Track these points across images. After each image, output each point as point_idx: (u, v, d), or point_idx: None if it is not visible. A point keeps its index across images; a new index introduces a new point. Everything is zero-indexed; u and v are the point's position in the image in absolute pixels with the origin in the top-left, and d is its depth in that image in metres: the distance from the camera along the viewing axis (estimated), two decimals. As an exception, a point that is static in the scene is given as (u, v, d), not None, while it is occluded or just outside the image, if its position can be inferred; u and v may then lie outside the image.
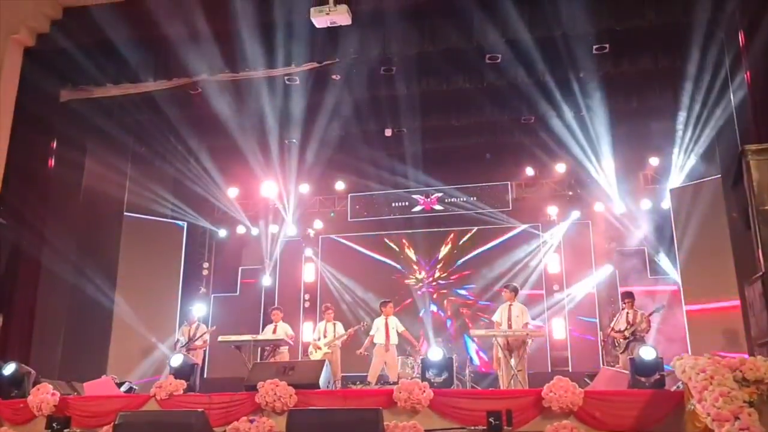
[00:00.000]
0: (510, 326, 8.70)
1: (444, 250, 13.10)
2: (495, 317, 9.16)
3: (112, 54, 8.80)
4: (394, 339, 9.53)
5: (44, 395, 6.08)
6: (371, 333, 9.73)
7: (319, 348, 9.53)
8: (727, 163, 8.37)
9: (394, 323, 9.65)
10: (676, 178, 11.58)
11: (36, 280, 8.39)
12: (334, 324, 9.78)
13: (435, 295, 12.91)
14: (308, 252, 13.61)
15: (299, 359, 11.28)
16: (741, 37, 7.23)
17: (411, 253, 13.24)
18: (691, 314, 10.60)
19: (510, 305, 8.95)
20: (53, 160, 8.89)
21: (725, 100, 8.13)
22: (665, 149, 11.61)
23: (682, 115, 10.56)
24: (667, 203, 11.48)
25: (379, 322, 9.69)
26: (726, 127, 8.45)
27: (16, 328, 7.96)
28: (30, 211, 8.48)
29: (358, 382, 10.10)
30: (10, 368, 6.62)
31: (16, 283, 8.11)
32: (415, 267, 13.16)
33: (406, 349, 10.05)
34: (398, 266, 13.21)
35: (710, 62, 8.49)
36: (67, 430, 5.84)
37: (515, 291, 9.11)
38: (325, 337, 9.62)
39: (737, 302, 8.72)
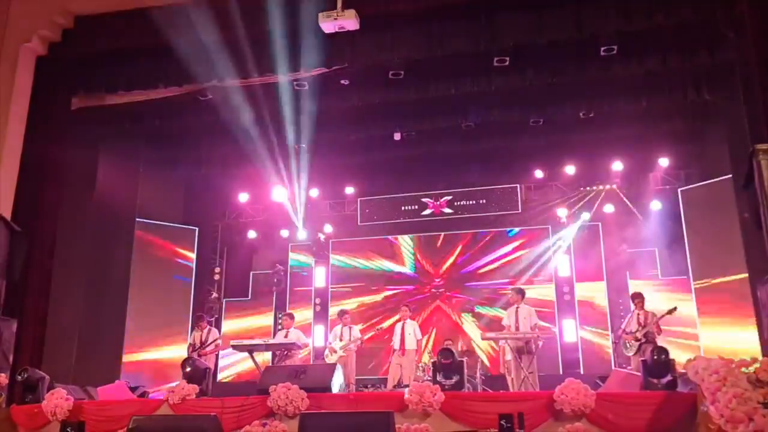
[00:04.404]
0: (518, 328, 8.74)
1: (454, 253, 13.09)
2: (504, 321, 9.21)
3: (122, 61, 8.91)
4: (410, 344, 9.57)
5: (59, 400, 6.14)
6: (393, 339, 9.85)
7: (335, 351, 9.58)
8: (738, 163, 8.33)
9: (411, 328, 9.70)
10: (687, 179, 11.54)
11: (49, 285, 8.45)
12: (350, 328, 9.83)
13: (445, 298, 12.91)
14: (319, 256, 13.64)
15: (311, 363, 11.33)
16: (750, 36, 7.19)
17: (421, 257, 13.25)
18: (703, 315, 10.55)
19: (517, 308, 9.02)
20: (66, 167, 8.97)
21: (736, 99, 8.09)
22: (675, 150, 11.57)
23: (691, 116, 10.53)
24: (677, 204, 11.43)
25: (396, 327, 9.78)
26: (736, 126, 8.40)
27: (30, 334, 8.02)
28: (43, 217, 8.57)
29: (369, 386, 10.17)
30: (24, 374, 6.68)
31: (30, 289, 8.18)
32: (425, 270, 13.16)
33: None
34: (408, 269, 13.23)
35: (720, 62, 8.46)
36: (82, 434, 5.88)
37: (521, 293, 9.19)
38: (341, 340, 9.67)
39: (749, 303, 8.67)
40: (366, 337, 9.80)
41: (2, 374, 6.66)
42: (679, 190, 11.48)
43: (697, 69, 9.08)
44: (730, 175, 9.46)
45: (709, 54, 8.43)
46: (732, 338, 9.67)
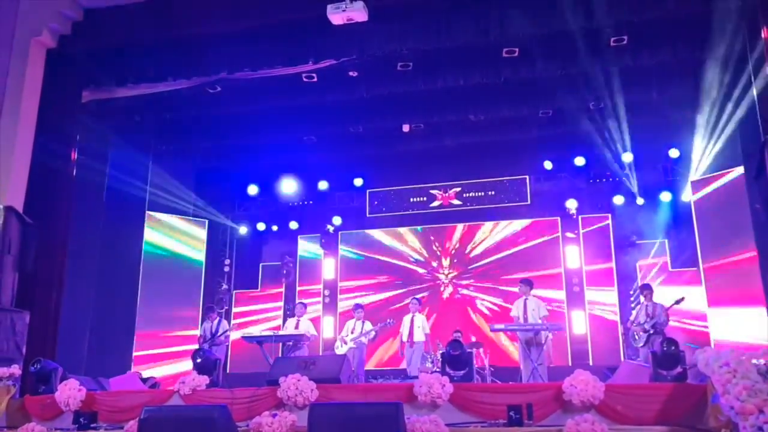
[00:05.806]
0: (526, 320, 8.76)
1: (463, 245, 13.08)
2: (512, 312, 9.24)
3: (132, 54, 8.95)
4: (418, 336, 9.64)
5: (71, 391, 6.19)
6: (400, 331, 9.90)
7: (345, 343, 9.65)
8: (750, 154, 8.27)
9: (420, 322, 9.77)
10: (697, 170, 11.45)
11: (62, 277, 8.52)
12: (363, 322, 9.89)
13: (454, 290, 12.91)
14: (328, 248, 13.67)
15: (320, 354, 11.39)
16: (762, 26, 7.12)
17: (429, 248, 13.24)
18: (713, 305, 10.50)
19: (525, 299, 9.03)
20: (76, 160, 9.02)
21: (747, 89, 8.02)
22: (686, 141, 11.47)
23: (703, 106, 10.44)
24: (688, 195, 11.37)
25: (405, 320, 9.85)
26: (748, 117, 8.34)
27: (43, 326, 8.09)
28: (55, 210, 8.63)
29: (379, 377, 10.23)
30: (37, 365, 6.76)
31: (43, 281, 8.24)
32: (433, 262, 13.16)
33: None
34: (417, 261, 13.23)
35: (731, 52, 8.37)
36: (94, 424, 5.94)
37: (530, 285, 9.18)
38: (352, 333, 9.74)
39: (760, 292, 8.63)
40: (374, 331, 9.81)
41: (15, 365, 6.73)
42: (689, 181, 11.41)
43: (708, 59, 9.00)
44: (742, 166, 9.39)
45: (721, 44, 8.35)
46: (742, 327, 9.63)
